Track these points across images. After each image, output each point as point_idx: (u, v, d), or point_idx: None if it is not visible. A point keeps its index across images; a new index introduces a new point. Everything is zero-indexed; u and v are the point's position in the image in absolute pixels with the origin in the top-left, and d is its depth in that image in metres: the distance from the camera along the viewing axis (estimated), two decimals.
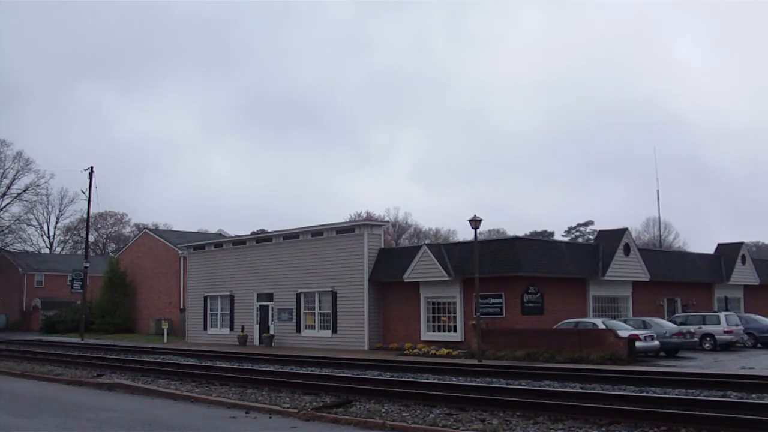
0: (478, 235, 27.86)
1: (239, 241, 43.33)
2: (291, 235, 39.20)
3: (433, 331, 33.62)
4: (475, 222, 27.17)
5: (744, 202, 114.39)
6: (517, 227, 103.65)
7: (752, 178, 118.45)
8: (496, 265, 30.95)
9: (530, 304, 31.42)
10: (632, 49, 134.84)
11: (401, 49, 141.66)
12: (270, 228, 56.58)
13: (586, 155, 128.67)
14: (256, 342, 39.88)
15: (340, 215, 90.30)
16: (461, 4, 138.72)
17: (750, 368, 22.64)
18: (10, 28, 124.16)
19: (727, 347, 31.70)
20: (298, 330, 37.92)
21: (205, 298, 43.76)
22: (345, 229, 36.95)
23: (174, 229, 74.70)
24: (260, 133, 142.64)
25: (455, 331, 32.72)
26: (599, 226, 74.60)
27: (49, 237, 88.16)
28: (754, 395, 15.14)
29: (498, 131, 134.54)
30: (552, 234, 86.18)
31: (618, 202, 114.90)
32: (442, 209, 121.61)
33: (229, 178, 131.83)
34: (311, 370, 22.02)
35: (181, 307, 50.00)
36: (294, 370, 21.72)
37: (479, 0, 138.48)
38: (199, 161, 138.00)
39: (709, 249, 45.01)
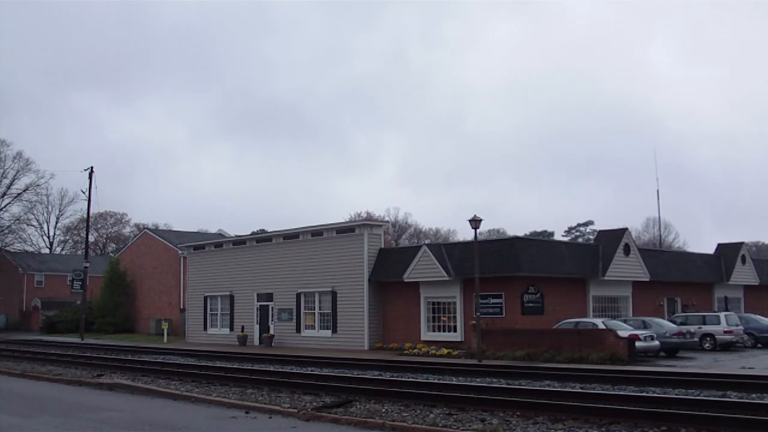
0: (478, 235, 27.88)
1: (239, 241, 43.34)
2: (291, 235, 39.21)
3: (433, 331, 33.62)
4: (475, 222, 27.16)
5: (723, 204, 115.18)
6: (515, 228, 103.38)
7: (731, 179, 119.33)
8: (496, 265, 30.95)
9: (530, 304, 31.43)
10: (617, 53, 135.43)
11: (380, 56, 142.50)
12: (269, 228, 56.64)
13: (575, 157, 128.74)
14: (256, 342, 39.88)
15: (329, 218, 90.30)
16: (435, 12, 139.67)
17: (750, 368, 22.65)
18: (6, 36, 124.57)
19: (727, 347, 31.71)
20: (298, 330, 37.92)
21: (205, 298, 43.76)
22: (345, 229, 36.95)
23: (174, 229, 74.69)
24: (249, 138, 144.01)
25: (455, 331, 32.72)
26: (599, 226, 74.66)
27: (49, 237, 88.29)
28: (754, 395, 15.15)
29: (481, 134, 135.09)
30: (552, 234, 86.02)
31: (610, 202, 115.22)
32: (431, 211, 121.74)
33: (223, 180, 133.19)
34: (311, 370, 22.01)
35: (181, 307, 50.00)
36: (294, 370, 21.72)
37: (453, 7, 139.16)
38: (194, 165, 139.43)
39: (705, 249, 45.10)
